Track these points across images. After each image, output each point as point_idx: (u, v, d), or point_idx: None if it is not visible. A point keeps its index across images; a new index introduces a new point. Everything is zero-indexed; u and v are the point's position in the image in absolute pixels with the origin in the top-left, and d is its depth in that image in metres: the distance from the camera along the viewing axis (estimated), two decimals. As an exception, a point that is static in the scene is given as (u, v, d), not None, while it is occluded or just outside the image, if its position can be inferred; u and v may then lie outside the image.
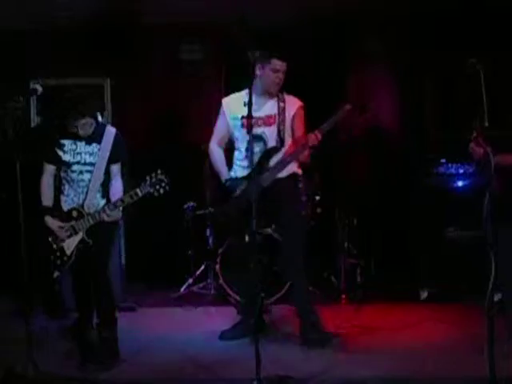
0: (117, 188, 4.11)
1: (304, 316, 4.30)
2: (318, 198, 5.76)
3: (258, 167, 4.20)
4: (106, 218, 3.94)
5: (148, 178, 3.88)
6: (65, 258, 4.01)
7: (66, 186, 4.08)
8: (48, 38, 6.45)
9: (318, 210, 5.73)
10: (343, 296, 5.41)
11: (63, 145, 4.03)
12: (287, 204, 4.30)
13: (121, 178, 4.15)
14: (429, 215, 5.34)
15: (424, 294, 5.34)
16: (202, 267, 5.84)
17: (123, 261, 5.51)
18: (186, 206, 5.93)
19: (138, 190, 3.88)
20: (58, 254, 4.00)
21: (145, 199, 5.62)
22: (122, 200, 3.94)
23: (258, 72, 4.19)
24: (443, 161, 5.39)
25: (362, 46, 6.44)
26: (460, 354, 4.00)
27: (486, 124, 3.24)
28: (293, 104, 4.32)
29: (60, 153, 4.03)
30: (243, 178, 4.29)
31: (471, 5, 5.72)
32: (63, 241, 4.00)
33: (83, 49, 6.40)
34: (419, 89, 6.41)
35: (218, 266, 5.53)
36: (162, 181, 3.87)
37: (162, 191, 3.88)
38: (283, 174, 4.28)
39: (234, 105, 4.35)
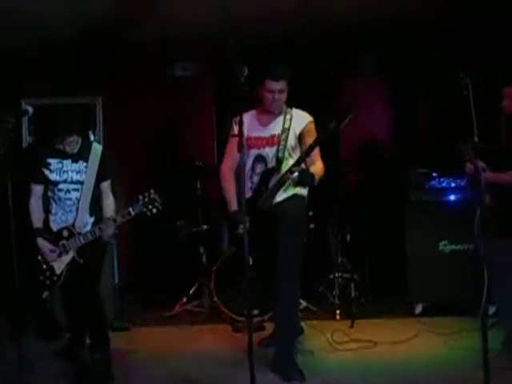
0: (109, 205, 4.12)
1: (284, 335, 4.09)
2: (310, 213, 5.75)
3: (258, 189, 4.17)
4: (101, 235, 3.95)
5: (141, 197, 3.90)
6: (54, 278, 3.99)
7: (54, 205, 4.06)
8: (40, 58, 6.47)
9: (311, 226, 5.72)
10: (338, 311, 5.39)
11: (49, 164, 4.02)
12: (285, 223, 4.09)
13: (112, 196, 4.16)
14: (422, 229, 5.34)
15: (419, 308, 5.34)
16: (196, 285, 5.81)
17: (116, 280, 5.48)
18: (178, 224, 5.92)
19: (130, 209, 3.90)
20: (48, 273, 3.99)
21: (139, 218, 5.65)
22: (114, 219, 3.95)
23: (259, 94, 4.20)
24: (435, 175, 5.40)
25: (355, 60, 6.48)
26: (456, 367, 4.00)
27: (476, 139, 3.26)
28: (300, 120, 4.24)
29: (46, 172, 4.02)
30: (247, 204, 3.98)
31: (466, 21, 5.78)
32: (54, 260, 3.99)
33: (75, 68, 6.42)
34: (411, 103, 6.45)
35: (212, 284, 5.51)
36: (154, 200, 3.89)
37: (154, 211, 3.90)
38: (288, 193, 4.18)
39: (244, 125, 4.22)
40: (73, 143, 4.00)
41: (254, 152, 4.23)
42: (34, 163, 4.07)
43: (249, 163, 4.22)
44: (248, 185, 4.19)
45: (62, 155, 4.03)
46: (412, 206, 5.42)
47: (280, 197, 4.15)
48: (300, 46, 6.26)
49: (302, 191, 4.26)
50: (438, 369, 4.02)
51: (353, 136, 6.27)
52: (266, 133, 4.21)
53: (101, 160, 4.07)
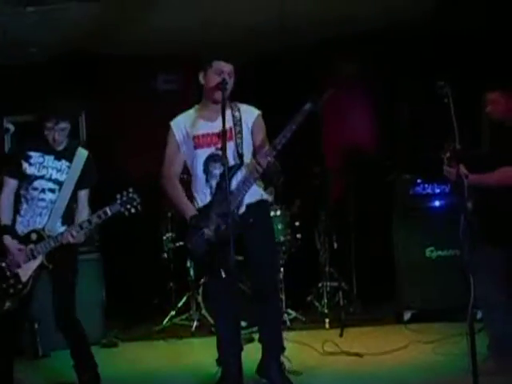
0: (85, 215, 3.82)
1: (272, 344, 3.89)
2: (297, 223, 5.76)
3: (219, 192, 3.68)
4: (70, 240, 3.64)
5: (118, 196, 3.65)
6: (19, 286, 3.66)
7: (24, 206, 3.78)
8: (21, 74, 6.44)
9: (298, 236, 5.72)
10: (327, 320, 5.39)
11: (30, 156, 3.77)
12: (259, 230, 3.75)
13: (88, 207, 3.89)
14: (408, 235, 5.36)
15: (407, 315, 5.34)
16: (184, 299, 5.79)
17: (103, 294, 5.44)
18: (165, 238, 5.90)
19: (107, 209, 3.62)
20: (12, 281, 3.66)
21: (124, 231, 5.62)
22: (89, 221, 3.67)
23: (202, 81, 3.77)
24: (419, 181, 5.43)
25: (337, 69, 6.52)
26: (445, 373, 4.00)
27: (457, 145, 3.29)
28: (250, 113, 3.82)
29: (25, 165, 3.77)
30: (207, 210, 3.71)
31: (446, 30, 5.84)
32: (19, 266, 3.67)
33: (57, 83, 6.39)
34: (394, 110, 6.48)
35: (200, 297, 5.49)
36: (133, 200, 3.65)
37: (133, 210, 3.64)
38: (251, 199, 3.74)
39: (183, 125, 3.85)
40: (65, 131, 3.77)
41: (203, 152, 3.76)
42: (13, 154, 3.79)
43: (199, 166, 3.77)
44: (206, 190, 3.76)
45: (46, 149, 3.79)
46: (397, 213, 5.44)
47: (243, 203, 3.69)
48: (282, 56, 6.29)
49: (266, 196, 3.93)
50: (428, 375, 4.02)
51: (337, 143, 6.30)
52: (215, 128, 3.67)
53: (84, 165, 3.85)
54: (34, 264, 3.69)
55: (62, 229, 3.76)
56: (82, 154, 3.88)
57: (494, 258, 3.79)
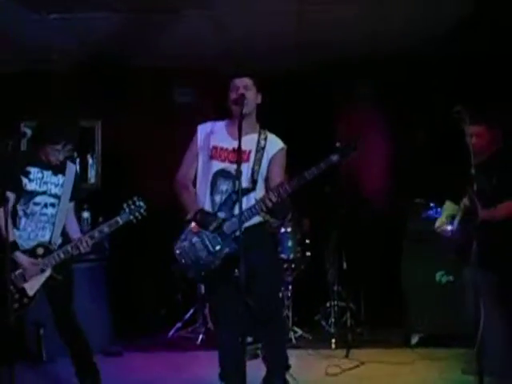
0: (75, 225, 4.02)
1: (276, 362, 3.88)
2: (307, 241, 5.75)
3: (224, 210, 3.66)
4: (82, 250, 3.74)
5: (126, 205, 3.78)
6: (25, 301, 3.70)
7: (23, 220, 3.80)
8: (39, 81, 6.50)
9: (308, 254, 5.71)
10: (333, 340, 5.35)
11: (29, 172, 3.80)
12: (260, 251, 3.72)
13: (75, 218, 4.06)
14: (418, 259, 5.33)
15: (415, 339, 5.30)
16: (191, 311, 5.78)
17: (110, 303, 5.44)
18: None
19: (118, 219, 3.76)
20: (17, 296, 3.68)
21: (134, 240, 5.63)
22: (100, 230, 3.76)
23: (228, 104, 3.78)
24: (432, 205, 5.40)
25: (352, 91, 6.53)
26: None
27: (473, 171, 3.27)
28: (274, 145, 3.82)
29: (25, 180, 3.79)
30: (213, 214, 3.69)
31: (465, 53, 5.85)
32: (25, 281, 3.71)
33: (75, 91, 6.45)
34: (408, 133, 6.47)
35: (206, 310, 5.48)
36: (140, 207, 3.79)
37: (139, 217, 3.79)
38: (250, 222, 3.65)
39: (209, 131, 3.85)
40: (68, 153, 3.87)
41: (216, 164, 3.75)
42: (11, 169, 3.76)
43: (209, 176, 3.75)
44: (206, 202, 3.74)
45: (43, 164, 3.84)
46: (409, 236, 5.42)
47: (249, 222, 3.63)
48: (299, 76, 6.31)
49: (261, 219, 3.83)
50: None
51: (349, 164, 6.28)
52: (236, 145, 3.50)
53: (75, 179, 3.98)
54: (42, 278, 3.74)
55: (60, 239, 3.87)
56: (71, 168, 4.00)
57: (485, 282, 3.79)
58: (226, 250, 3.60)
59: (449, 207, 4.35)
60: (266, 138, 3.79)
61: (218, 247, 3.63)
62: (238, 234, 3.45)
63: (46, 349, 4.93)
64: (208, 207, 3.74)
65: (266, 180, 3.81)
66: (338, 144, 3.60)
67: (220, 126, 3.86)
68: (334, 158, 3.58)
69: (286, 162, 3.87)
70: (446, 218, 4.34)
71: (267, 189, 3.77)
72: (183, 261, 3.70)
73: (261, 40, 5.79)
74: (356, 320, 5.76)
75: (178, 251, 3.71)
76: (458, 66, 5.98)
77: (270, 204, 3.53)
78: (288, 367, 3.96)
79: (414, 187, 5.99)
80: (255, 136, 3.77)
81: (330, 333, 5.57)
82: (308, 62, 6.23)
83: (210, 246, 3.64)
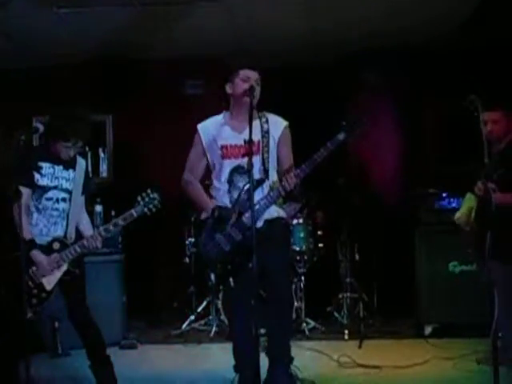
0: (86, 220, 4.03)
1: (282, 355, 3.83)
2: (320, 233, 5.75)
3: (239, 203, 3.67)
4: (99, 245, 3.77)
5: (140, 198, 3.76)
6: (43, 295, 3.71)
7: (35, 215, 3.81)
8: (51, 75, 6.52)
9: (320, 245, 5.71)
10: (346, 331, 5.35)
11: (41, 167, 3.82)
12: (276, 245, 3.72)
13: (86, 212, 4.06)
14: (431, 249, 5.31)
15: (428, 330, 5.29)
16: (204, 303, 5.80)
17: (124, 296, 5.47)
18: (187, 242, 5.91)
19: (133, 212, 3.74)
20: (35, 291, 3.69)
21: (147, 234, 5.65)
22: (115, 224, 3.77)
23: (229, 91, 3.78)
24: (445, 195, 5.38)
25: (362, 81, 6.50)
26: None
27: (486, 160, 3.25)
28: (277, 125, 3.80)
29: (37, 176, 3.81)
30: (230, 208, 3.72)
31: (472, 44, 5.81)
32: (43, 276, 3.72)
33: (86, 86, 6.47)
34: (420, 123, 6.44)
35: (220, 302, 5.49)
36: (154, 199, 3.76)
37: (154, 209, 3.76)
38: (270, 215, 3.72)
39: (211, 131, 3.84)
40: (78, 149, 3.88)
41: (229, 162, 3.77)
42: (24, 164, 3.77)
43: (224, 175, 3.77)
44: (226, 199, 3.76)
45: (54, 160, 3.86)
46: (422, 227, 5.39)
47: (261, 219, 3.67)
48: (309, 66, 6.30)
49: (283, 213, 3.91)
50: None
51: (361, 155, 6.27)
52: (242, 140, 3.58)
53: (85, 173, 3.99)
54: (59, 272, 3.75)
55: (74, 235, 3.88)
56: (81, 162, 4.00)
57: (507, 274, 3.76)
58: (248, 241, 3.53)
59: (469, 199, 4.29)
60: (267, 121, 3.76)
61: (239, 238, 3.63)
62: (257, 225, 3.48)
63: (62, 342, 4.98)
64: (227, 203, 3.75)
65: (278, 161, 3.82)
66: (343, 123, 3.59)
67: (219, 121, 3.85)
68: (341, 136, 3.58)
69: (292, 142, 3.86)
70: (467, 210, 4.28)
71: (280, 172, 3.78)
72: (209, 257, 3.69)
73: (272, 30, 5.77)
74: (369, 311, 5.76)
75: (203, 250, 3.72)
76: (470, 57, 5.92)
77: (287, 187, 3.54)
78: (291, 360, 3.93)
79: (427, 177, 5.97)
80: (257, 122, 3.70)
81: (342, 324, 5.57)
82: (317, 51, 6.20)
83: (232, 239, 3.65)
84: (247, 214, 3.60)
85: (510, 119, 4.02)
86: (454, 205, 5.31)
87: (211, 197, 3.86)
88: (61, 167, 3.89)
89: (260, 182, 3.69)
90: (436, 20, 5.59)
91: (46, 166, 3.84)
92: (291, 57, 6.24)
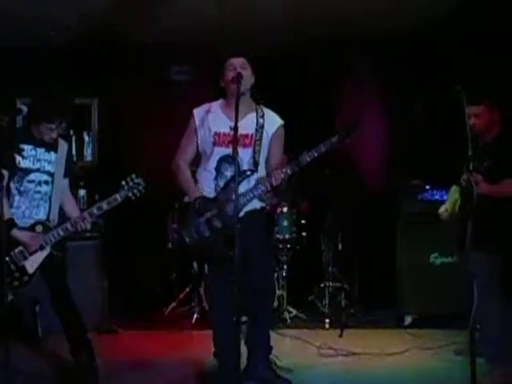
0: (72, 203, 4.00)
1: (262, 344, 3.88)
2: (303, 221, 5.76)
3: (224, 192, 3.71)
4: (84, 227, 3.74)
5: (124, 182, 3.76)
6: (25, 278, 3.68)
7: (17, 198, 3.76)
8: (36, 57, 6.44)
9: (303, 234, 5.72)
10: (327, 320, 5.38)
11: (22, 149, 3.76)
12: (256, 235, 3.76)
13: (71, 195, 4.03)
14: (413, 241, 5.34)
15: (408, 320, 5.33)
16: (186, 290, 5.79)
17: (105, 282, 5.45)
18: (171, 228, 5.89)
19: (117, 196, 3.74)
20: (17, 274, 3.65)
21: (130, 219, 5.62)
22: (98, 207, 3.75)
23: (222, 84, 3.81)
24: (428, 187, 5.40)
25: (351, 71, 6.49)
26: (444, 380, 4.00)
27: (470, 152, 3.27)
28: (273, 122, 3.84)
29: (18, 158, 3.75)
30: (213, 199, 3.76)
31: (463, 33, 5.81)
32: (25, 259, 3.68)
33: (71, 69, 6.39)
34: (405, 115, 6.45)
35: (202, 290, 5.49)
36: (138, 184, 3.77)
37: (138, 194, 3.76)
38: (250, 207, 3.74)
39: (206, 116, 3.86)
40: (62, 131, 3.84)
41: (220, 150, 3.77)
42: (6, 146, 3.66)
43: (212, 163, 3.79)
44: (211, 186, 3.79)
45: (36, 142, 3.81)
46: (404, 218, 5.42)
47: (243, 209, 3.67)
48: (298, 54, 6.27)
49: (263, 204, 3.89)
50: (426, 382, 4.02)
51: (347, 145, 6.27)
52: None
53: (67, 156, 3.95)
54: (42, 255, 3.72)
55: (57, 218, 3.83)
56: (63, 145, 3.95)
57: (488, 265, 3.79)
58: (228, 229, 3.58)
59: (455, 191, 4.31)
60: (263, 116, 3.80)
61: (219, 226, 3.65)
62: (239, 215, 3.45)
63: (42, 326, 4.95)
64: (212, 192, 3.77)
65: (266, 159, 3.85)
66: (334, 139, 3.63)
67: (216, 108, 3.87)
68: (334, 139, 3.62)
69: (284, 140, 3.90)
70: (452, 204, 4.30)
71: (268, 168, 3.82)
72: (187, 239, 3.72)
73: (260, 16, 5.73)
74: (350, 300, 5.79)
75: (184, 233, 3.73)
76: (458, 47, 5.93)
77: (274, 183, 3.60)
78: (271, 349, 3.95)
79: (411, 168, 5.99)
80: (253, 115, 3.78)
81: (324, 313, 5.60)
82: (306, 37, 6.17)
83: (212, 226, 3.67)
84: (230, 205, 3.59)
85: (493, 113, 4.04)
86: (436, 197, 5.35)
87: (196, 181, 3.87)
88: (43, 149, 3.85)
89: (248, 173, 3.73)
90: (425, 8, 5.58)
91: (27, 149, 3.80)
92: (278, 40, 6.20)
